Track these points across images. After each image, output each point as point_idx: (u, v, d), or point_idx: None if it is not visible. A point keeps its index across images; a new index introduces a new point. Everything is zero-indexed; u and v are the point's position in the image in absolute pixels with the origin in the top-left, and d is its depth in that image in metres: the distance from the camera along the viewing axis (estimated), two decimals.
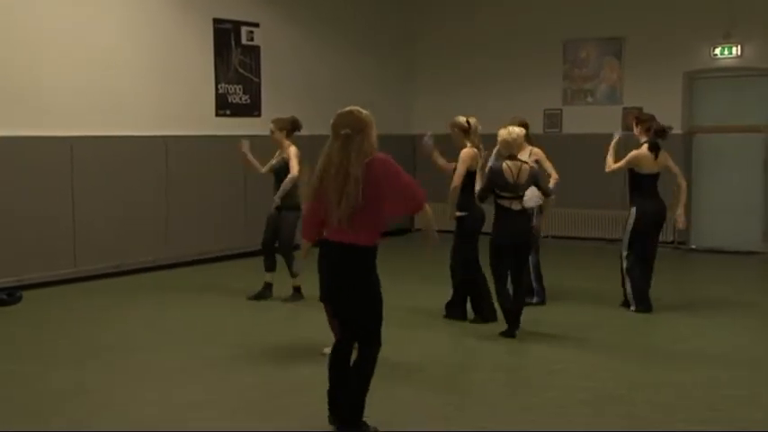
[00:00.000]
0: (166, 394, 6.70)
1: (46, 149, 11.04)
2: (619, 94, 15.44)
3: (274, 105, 14.09)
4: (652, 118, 9.93)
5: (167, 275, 12.02)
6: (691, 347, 8.17)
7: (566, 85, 15.92)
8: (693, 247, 14.40)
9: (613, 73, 15.51)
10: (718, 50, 14.55)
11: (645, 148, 9.56)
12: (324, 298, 5.72)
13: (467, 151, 9.01)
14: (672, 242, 14.54)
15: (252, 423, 5.97)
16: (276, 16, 14.40)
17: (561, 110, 15.80)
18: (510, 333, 8.38)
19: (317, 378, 6.34)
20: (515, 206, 8.34)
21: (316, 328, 7.93)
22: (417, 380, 7.10)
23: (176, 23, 12.96)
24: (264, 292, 10.33)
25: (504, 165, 8.36)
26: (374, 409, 5.70)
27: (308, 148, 13.71)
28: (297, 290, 10.29)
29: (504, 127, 8.70)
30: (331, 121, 5.75)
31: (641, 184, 9.61)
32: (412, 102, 17.34)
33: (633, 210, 9.56)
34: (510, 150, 8.47)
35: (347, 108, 5.78)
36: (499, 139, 8.60)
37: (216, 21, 13.46)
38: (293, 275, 10.20)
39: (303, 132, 14.30)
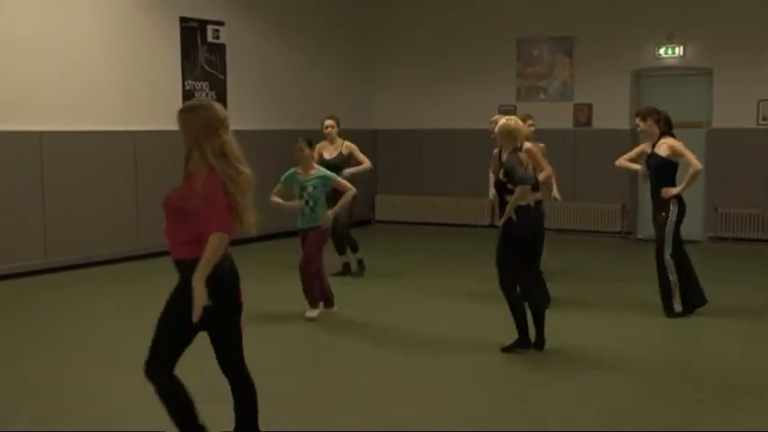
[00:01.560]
0: (138, 385, 6.62)
1: (16, 143, 10.91)
2: (570, 91, 15.46)
3: (239, 101, 14.11)
4: (655, 110, 9.21)
5: (138, 266, 11.91)
6: None
7: (519, 82, 15.88)
8: (640, 237, 14.48)
9: (565, 71, 15.53)
10: (662, 50, 14.70)
11: (671, 138, 8.82)
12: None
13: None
14: (620, 232, 14.76)
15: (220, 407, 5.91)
16: (241, 15, 14.33)
17: (515, 106, 15.60)
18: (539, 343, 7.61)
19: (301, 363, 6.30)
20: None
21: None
22: None
23: (144, 22, 12.85)
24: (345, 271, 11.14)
25: (519, 156, 7.66)
26: None
27: (271, 143, 13.91)
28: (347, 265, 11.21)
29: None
30: (224, 114, 4.92)
31: (675, 176, 8.83)
32: (371, 98, 17.24)
33: (674, 203, 8.73)
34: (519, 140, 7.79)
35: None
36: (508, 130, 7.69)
37: (182, 19, 13.36)
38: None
39: (266, 127, 14.30)
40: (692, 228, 14.03)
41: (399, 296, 9.86)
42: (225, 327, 4.70)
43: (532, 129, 9.84)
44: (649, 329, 8.48)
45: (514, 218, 7.31)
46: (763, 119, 13.96)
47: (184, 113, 4.85)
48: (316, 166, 8.80)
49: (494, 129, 8.28)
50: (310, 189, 8.55)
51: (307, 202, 8.56)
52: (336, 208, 8.62)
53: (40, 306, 9.31)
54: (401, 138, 16.21)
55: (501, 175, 7.47)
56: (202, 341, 4.69)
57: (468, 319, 8.70)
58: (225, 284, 4.58)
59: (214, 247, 4.44)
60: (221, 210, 4.51)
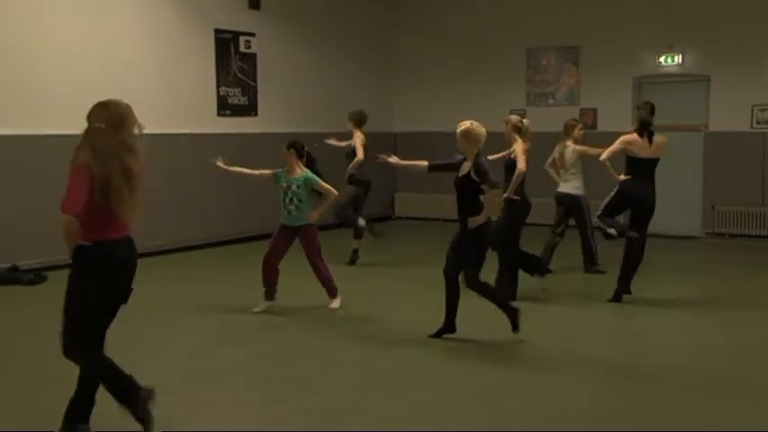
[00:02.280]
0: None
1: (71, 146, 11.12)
2: (576, 97, 15.48)
3: (269, 106, 14.33)
4: (644, 105, 9.75)
5: (180, 257, 12.31)
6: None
7: (529, 88, 15.92)
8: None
9: (571, 78, 15.55)
10: (662, 59, 14.69)
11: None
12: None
13: (523, 146, 9.02)
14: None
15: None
16: (270, 28, 14.44)
17: (525, 110, 15.62)
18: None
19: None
20: None
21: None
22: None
23: (182, 33, 13.08)
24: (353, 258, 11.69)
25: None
26: None
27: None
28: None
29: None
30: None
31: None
32: (392, 102, 17.32)
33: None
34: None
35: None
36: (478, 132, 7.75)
37: (217, 31, 13.57)
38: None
39: (293, 130, 14.48)
40: (691, 224, 14.32)
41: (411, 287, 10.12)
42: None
43: (581, 132, 10.84)
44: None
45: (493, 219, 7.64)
46: (757, 123, 13.98)
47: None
48: (303, 168, 8.85)
49: (506, 126, 9.01)
50: (294, 188, 8.70)
51: (291, 201, 8.69)
52: (321, 209, 8.75)
53: None
54: (419, 139, 16.23)
55: (473, 175, 7.50)
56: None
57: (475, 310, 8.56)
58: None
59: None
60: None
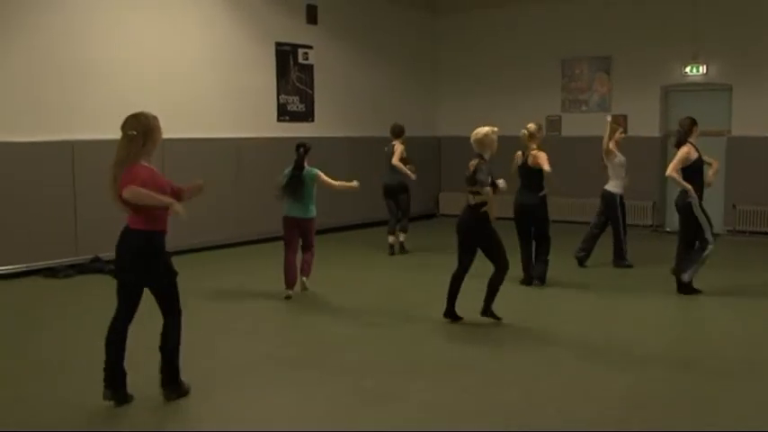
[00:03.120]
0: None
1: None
2: (608, 104, 15.58)
3: (324, 113, 14.59)
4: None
5: (238, 251, 12.56)
6: None
7: (564, 95, 16.08)
8: (668, 230, 14.59)
9: (603, 86, 15.65)
10: (688, 69, 14.75)
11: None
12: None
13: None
14: (651, 226, 15.00)
15: None
16: (327, 41, 14.72)
17: (560, 116, 15.97)
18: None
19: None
20: (471, 200, 7.98)
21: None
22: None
23: (246, 46, 13.36)
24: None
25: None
26: None
27: (352, 147, 14.48)
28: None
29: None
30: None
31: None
32: (436, 109, 17.45)
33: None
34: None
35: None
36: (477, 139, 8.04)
37: (278, 44, 13.87)
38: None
39: (347, 134, 14.69)
40: (714, 222, 14.32)
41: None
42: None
43: (623, 136, 11.15)
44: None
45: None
46: None
47: None
48: (307, 166, 9.17)
49: (524, 134, 9.62)
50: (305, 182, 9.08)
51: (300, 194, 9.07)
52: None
53: None
54: (461, 143, 15.94)
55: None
56: None
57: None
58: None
59: None
60: None
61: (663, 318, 8.57)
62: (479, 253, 7.98)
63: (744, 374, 6.48)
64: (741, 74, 14.30)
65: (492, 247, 7.86)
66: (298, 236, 9.25)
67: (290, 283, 9.19)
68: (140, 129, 5.41)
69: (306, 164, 9.23)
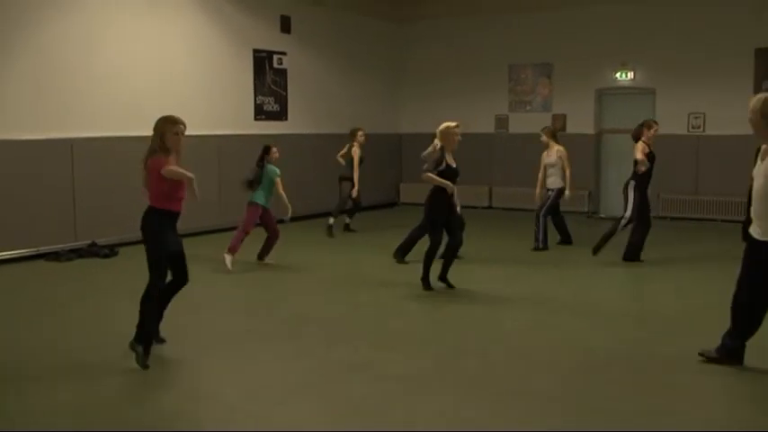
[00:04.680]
0: None
1: (140, 146, 11.19)
2: (549, 105, 15.79)
3: (297, 112, 14.58)
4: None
5: (221, 236, 12.24)
6: None
7: (511, 97, 16.21)
8: (602, 216, 14.93)
9: (545, 89, 15.82)
10: (618, 74, 15.06)
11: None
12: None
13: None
14: (587, 212, 15.23)
15: None
16: (299, 48, 14.62)
17: (508, 115, 16.13)
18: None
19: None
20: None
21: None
22: None
23: (227, 53, 13.28)
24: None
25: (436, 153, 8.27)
26: None
27: (321, 143, 14.65)
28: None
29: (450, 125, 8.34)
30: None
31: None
32: (400, 107, 17.46)
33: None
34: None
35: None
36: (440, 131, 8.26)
37: (255, 50, 13.81)
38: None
39: (317, 131, 14.69)
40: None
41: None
42: None
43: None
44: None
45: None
46: (692, 127, 14.45)
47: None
48: (273, 165, 9.91)
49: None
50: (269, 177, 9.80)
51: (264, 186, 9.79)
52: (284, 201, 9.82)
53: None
54: (420, 139, 15.62)
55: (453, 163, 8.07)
56: None
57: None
58: None
59: None
60: None
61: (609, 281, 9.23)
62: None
63: (678, 321, 7.22)
64: (663, 79, 14.61)
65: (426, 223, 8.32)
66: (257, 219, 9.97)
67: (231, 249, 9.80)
68: (156, 129, 5.97)
69: (271, 162, 9.95)
